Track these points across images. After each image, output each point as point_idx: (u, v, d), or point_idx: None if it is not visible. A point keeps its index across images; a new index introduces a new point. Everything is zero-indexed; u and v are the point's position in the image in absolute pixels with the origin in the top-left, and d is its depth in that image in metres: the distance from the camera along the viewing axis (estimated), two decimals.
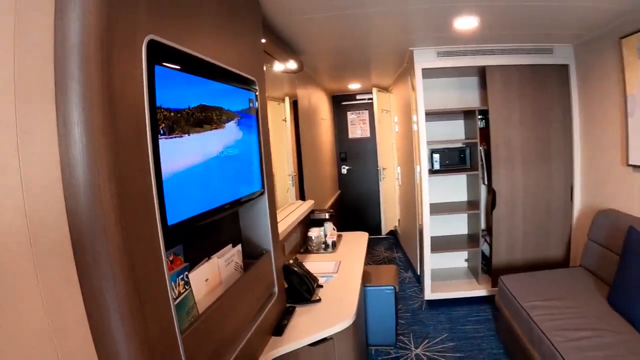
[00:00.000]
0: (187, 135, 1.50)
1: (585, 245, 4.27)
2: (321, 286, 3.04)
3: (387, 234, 8.53)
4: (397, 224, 8.05)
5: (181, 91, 1.48)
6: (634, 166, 3.80)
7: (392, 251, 7.74)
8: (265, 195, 2.37)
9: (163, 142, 1.33)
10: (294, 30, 3.69)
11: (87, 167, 1.05)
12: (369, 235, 4.70)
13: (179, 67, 1.47)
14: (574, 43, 4.69)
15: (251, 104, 2.20)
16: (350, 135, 8.76)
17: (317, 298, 2.82)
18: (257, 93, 2.28)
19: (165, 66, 1.37)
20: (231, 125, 1.92)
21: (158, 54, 1.33)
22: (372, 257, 7.23)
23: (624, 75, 3.79)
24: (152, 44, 1.29)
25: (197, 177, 1.59)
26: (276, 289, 2.50)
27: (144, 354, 1.18)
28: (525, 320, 3.38)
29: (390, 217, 8.16)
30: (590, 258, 4.11)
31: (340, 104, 8.63)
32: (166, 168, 1.34)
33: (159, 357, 1.26)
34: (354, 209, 8.78)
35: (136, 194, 1.20)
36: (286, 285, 2.75)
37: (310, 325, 2.47)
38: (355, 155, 8.78)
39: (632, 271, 3.10)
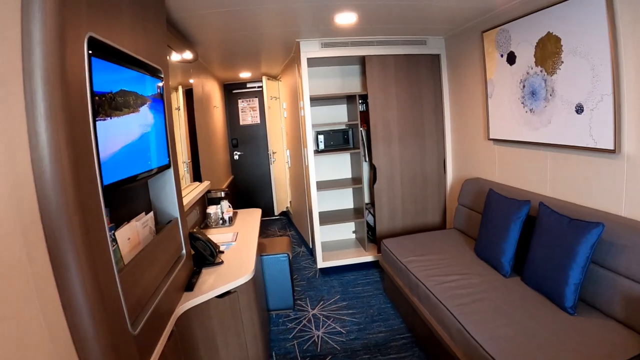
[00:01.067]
0: (109, 118, 1.79)
1: (456, 209, 4.90)
2: (222, 252, 3.35)
3: (279, 215, 8.90)
4: (288, 205, 8.42)
5: (107, 78, 1.75)
6: (494, 140, 4.42)
7: (286, 230, 8.12)
8: (172, 168, 2.66)
9: (98, 122, 1.64)
10: (190, 23, 3.87)
11: (51, 135, 1.32)
12: (263, 217, 5.03)
13: (107, 58, 1.75)
14: (444, 35, 5.26)
15: (159, 90, 2.46)
16: (242, 122, 8.97)
17: (220, 261, 3.13)
18: (163, 81, 2.58)
19: (98, 57, 1.66)
20: (144, 109, 2.20)
21: (94, 47, 1.61)
22: (266, 237, 7.51)
23: (485, 63, 4.39)
24: (90, 40, 1.58)
25: (121, 150, 1.89)
26: (184, 251, 2.77)
27: (94, 285, 1.49)
28: (404, 273, 3.88)
29: (281, 198, 8.51)
30: (460, 219, 4.73)
31: (232, 92, 8.82)
32: (100, 142, 1.64)
33: (104, 287, 1.56)
34: (247, 192, 9.01)
35: (83, 159, 1.50)
36: (193, 252, 3.06)
37: (216, 281, 2.78)
38: (247, 141, 9.02)
39: (491, 223, 3.68)
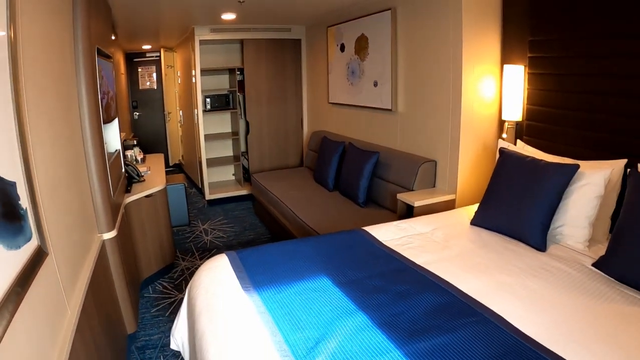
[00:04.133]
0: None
1: (306, 153, 6.57)
2: (143, 175, 4.67)
3: (173, 166, 9.99)
4: (181, 158, 9.55)
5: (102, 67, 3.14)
6: (332, 103, 6.06)
7: (185, 178, 9.39)
8: (117, 119, 3.96)
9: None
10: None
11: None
12: None
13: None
14: (305, 25, 6.76)
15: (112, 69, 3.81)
16: (141, 87, 9.91)
17: (143, 179, 4.43)
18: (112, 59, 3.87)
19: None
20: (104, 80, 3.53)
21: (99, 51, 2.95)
22: None
23: (328, 49, 5.95)
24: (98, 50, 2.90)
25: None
26: (123, 170, 4.07)
27: (103, 170, 2.91)
28: (266, 193, 5.40)
29: (175, 152, 9.57)
30: (309, 160, 6.38)
31: (133, 60, 9.70)
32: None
33: (104, 173, 2.98)
34: (146, 148, 9.99)
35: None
36: (126, 175, 4.36)
37: (143, 189, 4.12)
38: (145, 103, 9.99)
39: (322, 159, 5.30)
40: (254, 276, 2.41)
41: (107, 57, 3.48)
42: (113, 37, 5.48)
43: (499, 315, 2.04)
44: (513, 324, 1.97)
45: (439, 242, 2.94)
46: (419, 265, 2.57)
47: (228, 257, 2.64)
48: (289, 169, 6.66)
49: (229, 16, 5.50)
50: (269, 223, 5.62)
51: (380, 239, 2.97)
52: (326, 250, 2.82)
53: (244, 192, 7.09)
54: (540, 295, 2.25)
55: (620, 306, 2.15)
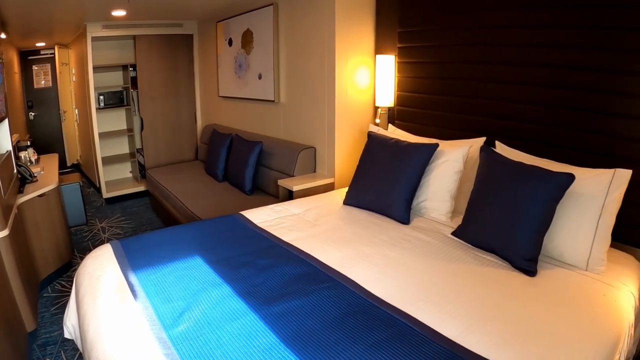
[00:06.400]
0: None
1: (198, 146, 6.51)
2: (36, 176, 4.36)
3: (71, 167, 9.51)
4: (79, 158, 9.13)
5: None
6: (222, 96, 6.00)
7: (81, 178, 8.99)
8: (6, 120, 3.70)
9: None
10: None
11: None
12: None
13: None
14: (197, 20, 6.62)
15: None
16: (36, 86, 9.24)
17: (36, 180, 4.15)
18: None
19: None
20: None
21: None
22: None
23: (217, 43, 5.88)
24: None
25: None
26: (15, 171, 3.83)
27: None
28: (160, 189, 5.28)
29: (72, 152, 9.09)
30: (202, 153, 6.29)
31: (27, 58, 9.02)
32: None
33: None
34: (42, 149, 9.49)
35: None
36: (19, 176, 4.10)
37: (36, 188, 3.88)
38: (41, 103, 9.33)
39: (211, 152, 5.24)
40: (133, 260, 2.46)
41: None
42: (3, 36, 5.17)
43: (353, 281, 2.16)
44: (365, 287, 2.10)
45: (310, 221, 3.04)
46: (286, 242, 2.66)
47: (112, 245, 2.68)
48: (184, 163, 6.53)
49: (119, 13, 5.29)
50: (164, 217, 5.50)
51: (255, 222, 3.03)
52: (202, 233, 2.89)
53: (141, 188, 6.88)
54: (396, 262, 2.40)
55: (473, 267, 2.35)
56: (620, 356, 1.85)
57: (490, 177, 2.64)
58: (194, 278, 2.24)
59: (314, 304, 1.96)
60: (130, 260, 2.46)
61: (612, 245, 2.37)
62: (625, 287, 2.18)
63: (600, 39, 2.59)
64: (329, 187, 3.98)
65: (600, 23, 2.58)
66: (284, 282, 2.16)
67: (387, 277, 2.21)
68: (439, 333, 1.77)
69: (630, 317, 2.03)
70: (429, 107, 3.68)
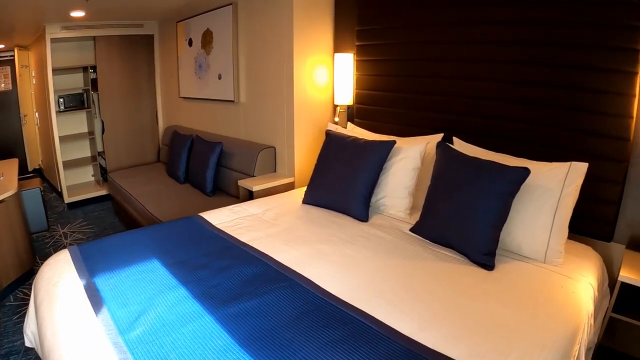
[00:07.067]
0: None
1: (160, 148, 6.38)
2: None
3: (32, 172, 9.29)
4: (40, 163, 8.91)
5: None
6: (183, 98, 5.87)
7: (41, 182, 8.75)
8: None
9: None
10: None
11: None
12: (18, 174, 5.80)
13: None
14: (158, 21, 6.47)
15: None
16: None
17: None
18: None
19: None
20: None
21: None
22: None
23: (177, 44, 5.75)
24: None
25: None
26: None
27: None
28: (122, 192, 5.12)
29: (33, 156, 8.80)
30: (163, 155, 6.15)
31: None
32: None
33: None
34: (3, 153, 9.18)
35: None
36: None
37: None
38: (0, 107, 9.02)
39: (172, 152, 5.13)
40: (91, 265, 2.40)
41: None
42: None
43: (308, 279, 2.13)
44: (321, 285, 2.07)
45: (269, 220, 2.98)
46: (244, 243, 2.61)
47: (70, 251, 2.59)
48: (146, 165, 6.36)
49: (78, 14, 5.13)
50: (126, 221, 5.34)
51: (214, 223, 2.96)
52: (161, 236, 2.82)
53: (103, 192, 6.67)
54: (353, 260, 2.36)
55: (431, 263, 2.33)
56: (580, 346, 1.85)
57: (446, 172, 2.62)
58: (151, 281, 2.19)
59: (270, 304, 1.93)
60: (87, 266, 2.39)
61: (572, 238, 2.40)
62: (583, 279, 2.19)
63: (555, 35, 2.60)
64: (289, 187, 3.92)
65: (555, 20, 2.60)
66: (241, 283, 2.13)
67: (343, 275, 2.18)
68: (394, 330, 1.74)
69: (589, 307, 2.03)
70: (388, 104, 3.65)
